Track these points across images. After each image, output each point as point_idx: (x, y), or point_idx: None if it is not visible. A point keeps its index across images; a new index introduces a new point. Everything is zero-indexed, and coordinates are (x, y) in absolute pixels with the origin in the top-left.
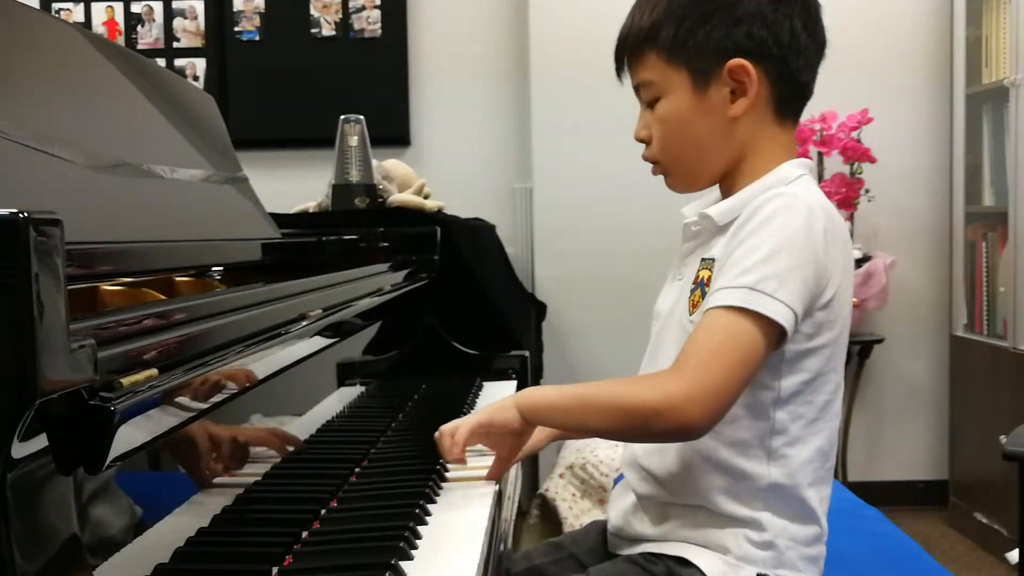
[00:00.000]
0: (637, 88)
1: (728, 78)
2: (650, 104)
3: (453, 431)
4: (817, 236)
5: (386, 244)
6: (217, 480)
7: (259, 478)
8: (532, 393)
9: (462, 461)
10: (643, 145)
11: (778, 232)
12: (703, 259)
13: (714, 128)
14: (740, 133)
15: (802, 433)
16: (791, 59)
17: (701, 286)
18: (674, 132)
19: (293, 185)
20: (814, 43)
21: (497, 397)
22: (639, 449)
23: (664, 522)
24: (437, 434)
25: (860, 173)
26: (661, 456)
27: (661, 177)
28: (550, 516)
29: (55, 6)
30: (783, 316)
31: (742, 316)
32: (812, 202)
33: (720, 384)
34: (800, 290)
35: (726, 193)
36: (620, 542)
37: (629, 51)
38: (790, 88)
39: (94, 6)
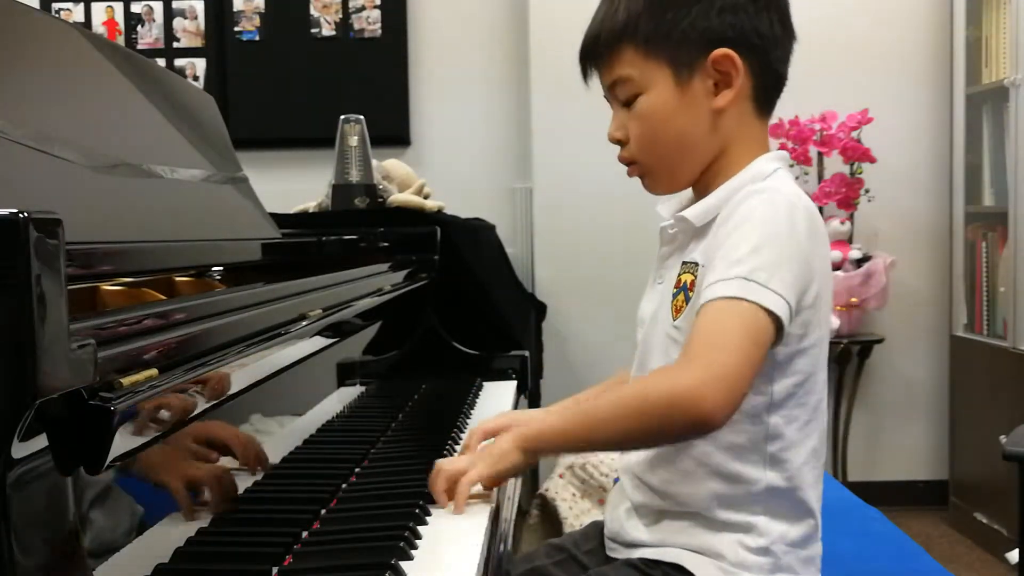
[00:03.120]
0: (611, 87)
1: (712, 69)
2: (626, 103)
3: (451, 476)
4: (800, 232)
5: (386, 244)
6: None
7: (259, 478)
8: (530, 426)
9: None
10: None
11: (761, 226)
12: (684, 262)
13: (698, 122)
14: (723, 127)
15: (797, 436)
16: (771, 49)
17: (684, 290)
18: (656, 129)
19: (293, 185)
20: (788, 35)
21: (497, 397)
22: (633, 457)
23: (659, 529)
24: (434, 473)
25: (860, 173)
26: (656, 464)
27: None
28: (550, 516)
29: (55, 6)
30: (779, 307)
31: (741, 304)
32: (792, 197)
33: (733, 366)
34: (790, 282)
35: (700, 192)
36: (617, 546)
37: (602, 48)
38: (769, 79)
39: (94, 6)
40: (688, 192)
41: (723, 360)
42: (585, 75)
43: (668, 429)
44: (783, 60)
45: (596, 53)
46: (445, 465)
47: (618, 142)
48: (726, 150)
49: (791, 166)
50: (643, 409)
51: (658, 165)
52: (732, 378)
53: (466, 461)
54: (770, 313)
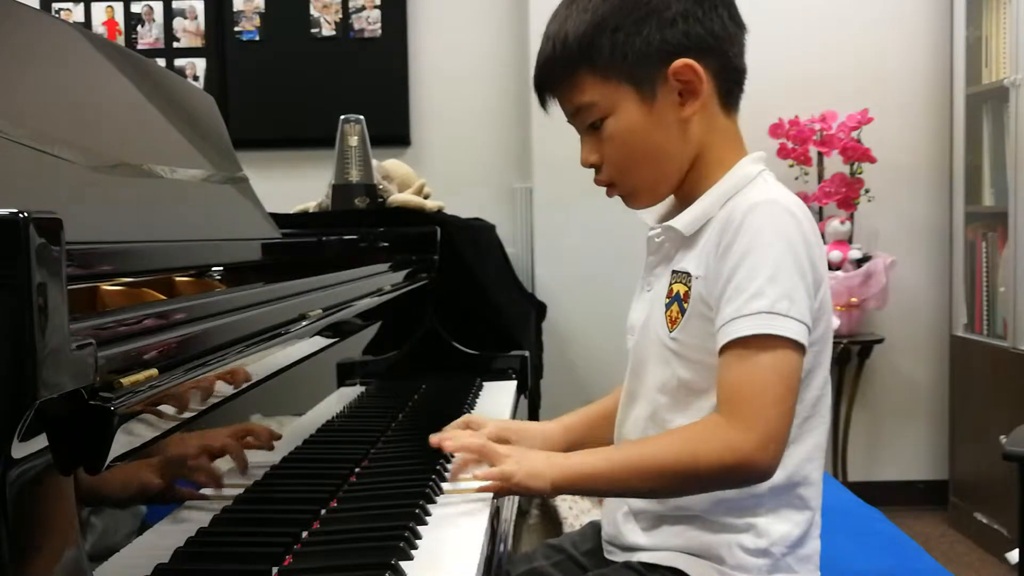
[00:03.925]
0: (574, 114)
1: (674, 81)
2: (592, 125)
3: (487, 458)
4: (809, 241)
5: (386, 244)
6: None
7: (259, 478)
8: (569, 465)
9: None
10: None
11: (772, 246)
12: (675, 271)
13: (670, 135)
14: (694, 133)
15: (797, 433)
16: (727, 48)
17: (678, 301)
18: (630, 149)
19: (293, 185)
20: (740, 29)
21: (497, 397)
22: None
23: (657, 533)
24: (476, 438)
25: (860, 173)
26: None
27: None
28: (550, 516)
29: (55, 6)
30: (801, 334)
31: (769, 343)
32: (790, 205)
33: (779, 422)
34: (806, 302)
35: (683, 198)
36: (614, 549)
37: (559, 78)
38: (731, 77)
39: (94, 6)
40: (670, 198)
41: (770, 420)
42: (543, 104)
43: (719, 487)
44: (740, 55)
45: (553, 83)
46: (489, 448)
47: (591, 166)
48: (702, 154)
49: (791, 166)
50: (700, 473)
51: (637, 184)
52: (779, 434)
53: (505, 456)
54: (796, 343)
